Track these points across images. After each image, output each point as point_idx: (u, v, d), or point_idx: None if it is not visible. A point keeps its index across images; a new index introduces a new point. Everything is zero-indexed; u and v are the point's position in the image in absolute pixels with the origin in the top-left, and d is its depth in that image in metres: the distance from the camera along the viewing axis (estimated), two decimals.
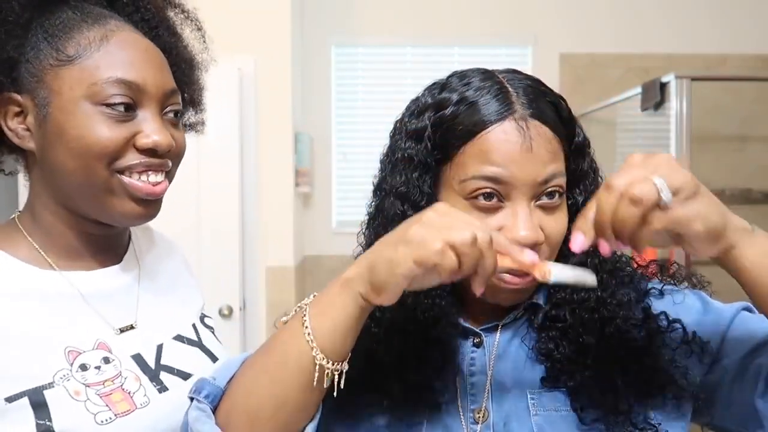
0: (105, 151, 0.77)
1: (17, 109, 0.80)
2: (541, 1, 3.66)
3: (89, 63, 0.77)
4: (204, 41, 0.97)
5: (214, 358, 0.93)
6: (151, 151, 0.80)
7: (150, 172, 0.81)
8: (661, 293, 0.82)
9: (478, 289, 0.65)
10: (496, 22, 3.65)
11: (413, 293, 0.72)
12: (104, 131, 0.77)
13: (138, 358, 0.83)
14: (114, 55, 0.78)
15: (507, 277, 0.72)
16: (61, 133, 0.77)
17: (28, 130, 0.80)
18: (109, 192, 0.79)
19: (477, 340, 0.79)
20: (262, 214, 2.94)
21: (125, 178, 0.79)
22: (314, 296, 0.71)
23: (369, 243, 0.82)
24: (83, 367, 0.77)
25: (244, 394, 0.71)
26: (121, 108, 0.78)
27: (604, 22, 3.65)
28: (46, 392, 0.73)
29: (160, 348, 0.87)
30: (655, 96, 2.67)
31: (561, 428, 0.75)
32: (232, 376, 0.75)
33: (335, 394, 0.69)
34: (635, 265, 0.84)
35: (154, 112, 0.81)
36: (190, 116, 1.00)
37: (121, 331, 0.84)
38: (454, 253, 0.61)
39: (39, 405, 0.73)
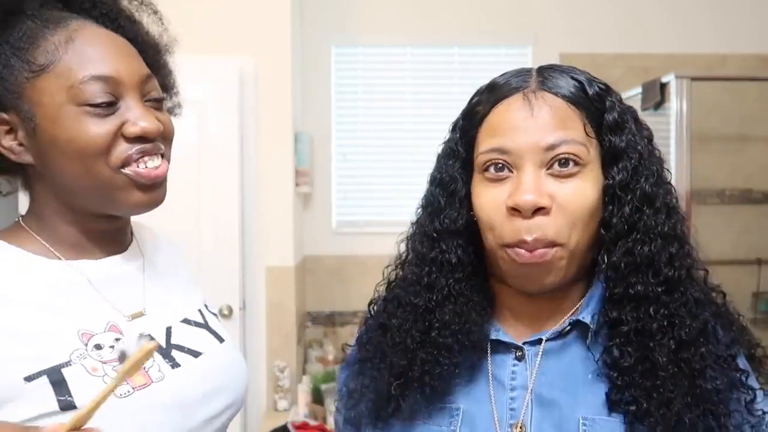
0: (98, 148, 0.78)
1: (6, 127, 0.81)
2: (541, 1, 3.66)
3: (61, 67, 0.78)
4: (162, 23, 0.97)
5: (220, 339, 0.96)
6: (140, 138, 0.81)
7: (146, 158, 0.82)
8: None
9: None
10: (496, 22, 3.64)
11: (452, 307, 0.76)
12: (92, 128, 0.78)
13: (150, 338, 0.86)
14: (83, 53, 0.79)
15: (518, 250, 0.72)
16: (54, 141, 0.78)
17: (21, 144, 0.81)
18: (114, 188, 0.81)
19: (519, 353, 0.78)
20: (262, 214, 2.95)
21: (129, 171, 0.81)
22: None
23: (418, 231, 0.85)
24: (98, 347, 0.80)
25: None
26: (104, 104, 0.79)
27: (604, 22, 3.65)
28: (63, 370, 0.76)
29: (169, 330, 0.90)
30: (655, 96, 2.67)
31: None
32: None
33: None
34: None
35: (136, 100, 0.82)
36: (166, 101, 1.00)
37: (132, 317, 0.86)
38: None
39: (58, 382, 0.75)
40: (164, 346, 0.87)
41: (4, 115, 0.80)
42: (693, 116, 2.55)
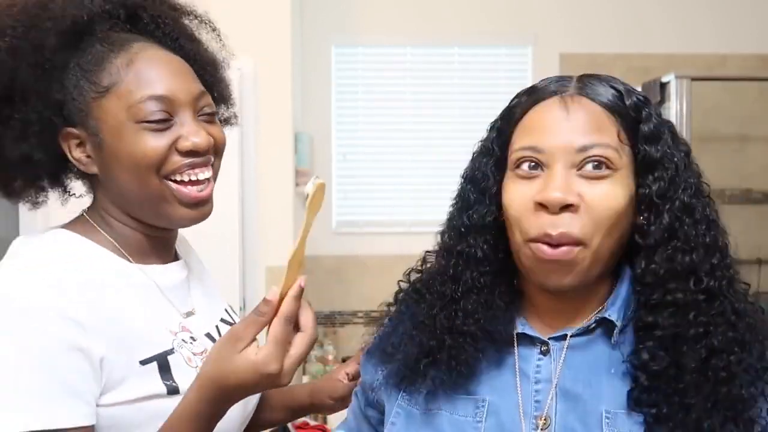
0: (153, 160, 0.87)
1: (76, 141, 0.89)
2: (541, 1, 3.66)
3: (122, 88, 0.86)
4: (220, 40, 1.05)
5: None
6: (192, 152, 0.89)
7: (197, 170, 0.90)
8: None
9: None
10: (496, 22, 3.64)
11: (476, 297, 0.79)
12: (149, 142, 0.86)
13: (209, 336, 0.98)
14: (141, 75, 0.87)
15: (542, 246, 0.74)
16: (116, 154, 0.87)
17: (89, 157, 0.90)
18: (162, 199, 0.89)
19: (544, 348, 0.80)
20: (262, 214, 2.94)
21: (173, 185, 0.89)
22: None
23: (447, 224, 0.88)
24: (184, 341, 0.92)
25: None
26: (159, 121, 0.87)
27: (604, 22, 3.65)
28: (169, 357, 0.87)
29: (217, 328, 1.02)
30: (655, 96, 2.67)
31: None
32: None
33: None
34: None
35: (189, 117, 0.89)
36: (223, 111, 1.09)
37: (188, 315, 0.97)
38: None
39: (164, 368, 0.86)
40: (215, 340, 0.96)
41: (75, 130, 0.88)
42: (693, 116, 2.55)
